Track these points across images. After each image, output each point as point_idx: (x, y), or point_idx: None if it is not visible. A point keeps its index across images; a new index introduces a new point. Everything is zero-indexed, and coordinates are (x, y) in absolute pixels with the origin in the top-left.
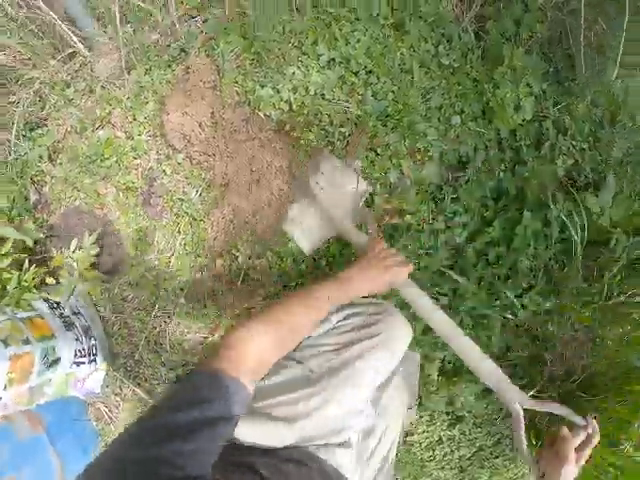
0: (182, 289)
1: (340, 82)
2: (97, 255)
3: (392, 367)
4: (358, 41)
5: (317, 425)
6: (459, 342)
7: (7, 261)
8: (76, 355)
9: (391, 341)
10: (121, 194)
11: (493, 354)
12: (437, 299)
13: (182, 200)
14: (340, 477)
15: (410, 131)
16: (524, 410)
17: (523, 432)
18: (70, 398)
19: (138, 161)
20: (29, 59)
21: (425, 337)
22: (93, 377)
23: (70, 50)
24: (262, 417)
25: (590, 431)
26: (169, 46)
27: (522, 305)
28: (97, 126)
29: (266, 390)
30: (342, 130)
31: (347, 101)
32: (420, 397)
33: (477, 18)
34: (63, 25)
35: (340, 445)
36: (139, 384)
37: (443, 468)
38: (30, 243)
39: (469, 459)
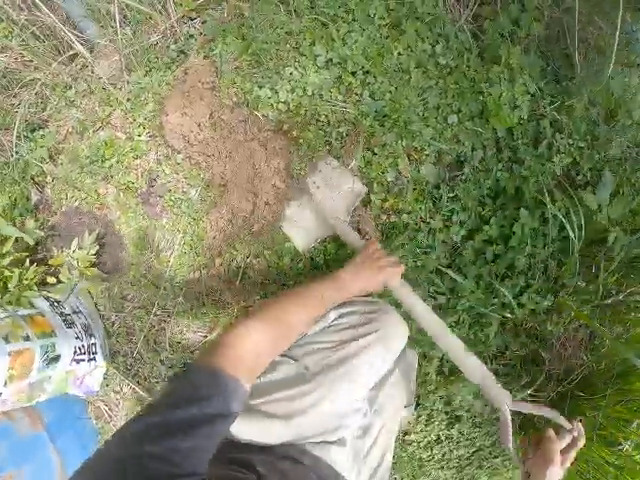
0: (181, 288)
1: (337, 82)
2: (97, 254)
3: (388, 365)
4: (355, 42)
5: (313, 422)
6: (449, 343)
7: (8, 259)
8: (76, 353)
9: (387, 338)
10: (121, 194)
11: (491, 353)
12: (435, 298)
13: (181, 200)
14: (336, 475)
15: (407, 131)
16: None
17: (510, 433)
18: (70, 396)
19: (138, 161)
20: (31, 61)
21: (423, 336)
22: (93, 375)
23: (71, 52)
24: (258, 414)
25: (576, 434)
26: (168, 48)
27: (520, 304)
28: (98, 127)
29: (262, 387)
30: (339, 130)
31: (344, 101)
32: (418, 396)
33: (474, 17)
34: (64, 28)
35: (336, 443)
36: (138, 382)
37: (442, 468)
38: (31, 242)
39: (468, 459)
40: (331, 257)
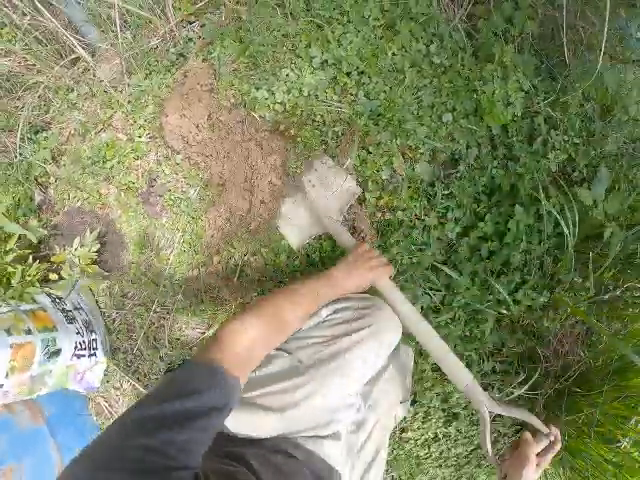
0: (180, 285)
1: (333, 83)
2: (99, 253)
3: (382, 360)
4: (350, 43)
5: (306, 415)
6: (432, 344)
7: (11, 256)
8: (76, 348)
9: (380, 333)
10: (122, 194)
11: (487, 350)
12: (430, 295)
13: (181, 199)
14: (330, 469)
15: (401, 129)
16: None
17: (489, 434)
18: (71, 392)
19: (138, 162)
20: (34, 65)
21: None
22: (93, 371)
23: (73, 56)
24: (252, 407)
25: (552, 439)
26: (168, 51)
27: (515, 300)
28: (99, 129)
29: (257, 380)
30: (335, 129)
31: (340, 101)
32: (415, 393)
33: (468, 17)
34: (66, 32)
35: (329, 437)
36: (138, 379)
37: (440, 466)
38: (34, 240)
39: (466, 457)
40: (326, 254)
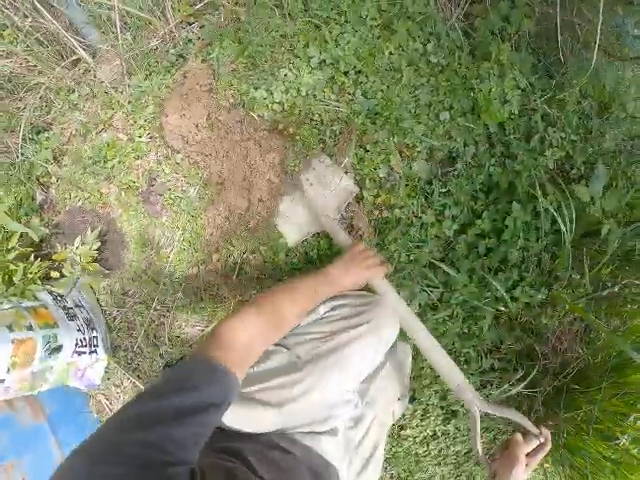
0: (180, 283)
1: (330, 82)
2: (99, 251)
3: (380, 356)
4: (347, 43)
5: (304, 410)
6: (425, 342)
7: (13, 254)
8: (77, 345)
9: (378, 329)
10: (123, 193)
11: (486, 347)
12: (427, 292)
13: (180, 198)
14: (327, 464)
15: (398, 128)
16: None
17: (479, 434)
18: (72, 390)
19: (139, 162)
20: (35, 66)
21: None
22: (94, 368)
23: (74, 57)
24: (250, 402)
25: (542, 440)
26: (167, 52)
27: (513, 297)
28: (100, 129)
29: (254, 376)
30: (333, 128)
31: (337, 101)
32: (413, 390)
33: (465, 16)
34: (67, 34)
35: (326, 433)
36: (139, 376)
37: (439, 464)
38: (36, 238)
39: (465, 455)
40: (324, 252)
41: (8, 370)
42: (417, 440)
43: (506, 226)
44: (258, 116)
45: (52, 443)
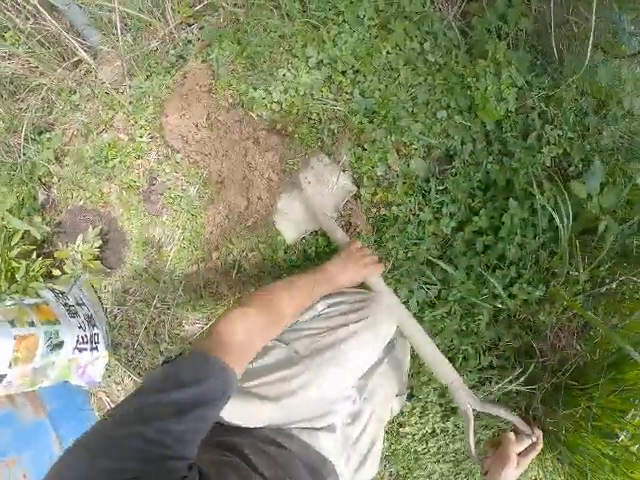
0: (180, 281)
1: (328, 82)
2: (101, 250)
3: (377, 353)
4: (345, 42)
5: (302, 405)
6: (418, 338)
7: (16, 251)
8: (78, 341)
9: (376, 325)
10: (124, 192)
11: (484, 344)
12: (425, 290)
13: (180, 197)
14: (324, 460)
15: (396, 126)
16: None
17: (472, 432)
18: (73, 387)
19: (139, 161)
20: (37, 67)
21: None
22: (95, 365)
23: (75, 59)
24: (249, 396)
25: (534, 439)
26: (168, 53)
27: (511, 294)
28: (101, 129)
29: (252, 371)
30: (331, 127)
31: (335, 100)
32: (412, 387)
33: (462, 15)
34: (68, 35)
35: (324, 429)
36: (139, 374)
37: (438, 461)
38: (38, 236)
39: (464, 452)
40: (322, 250)
41: (10, 365)
42: (416, 438)
43: (503, 223)
44: (257, 116)
45: (53, 439)
